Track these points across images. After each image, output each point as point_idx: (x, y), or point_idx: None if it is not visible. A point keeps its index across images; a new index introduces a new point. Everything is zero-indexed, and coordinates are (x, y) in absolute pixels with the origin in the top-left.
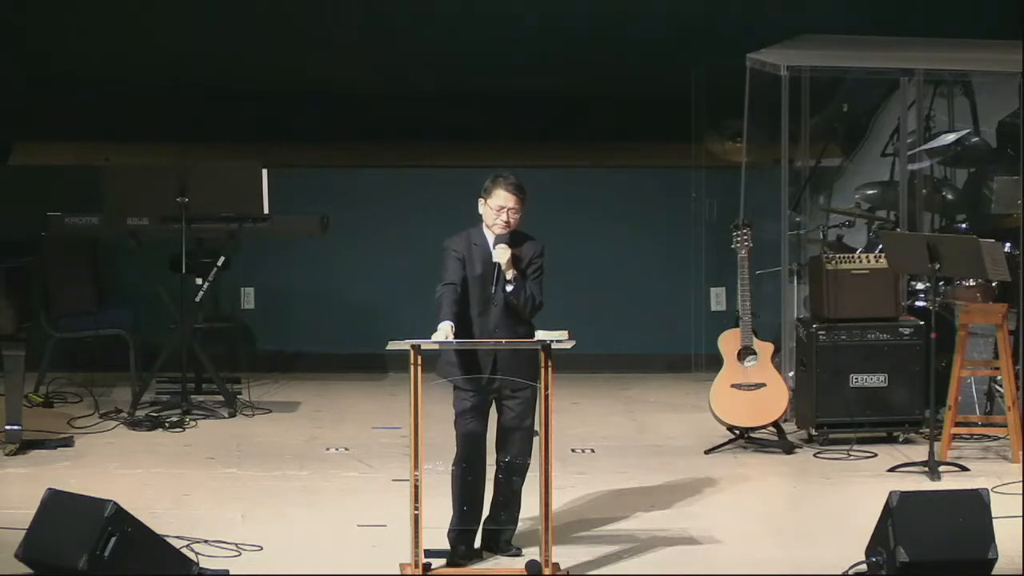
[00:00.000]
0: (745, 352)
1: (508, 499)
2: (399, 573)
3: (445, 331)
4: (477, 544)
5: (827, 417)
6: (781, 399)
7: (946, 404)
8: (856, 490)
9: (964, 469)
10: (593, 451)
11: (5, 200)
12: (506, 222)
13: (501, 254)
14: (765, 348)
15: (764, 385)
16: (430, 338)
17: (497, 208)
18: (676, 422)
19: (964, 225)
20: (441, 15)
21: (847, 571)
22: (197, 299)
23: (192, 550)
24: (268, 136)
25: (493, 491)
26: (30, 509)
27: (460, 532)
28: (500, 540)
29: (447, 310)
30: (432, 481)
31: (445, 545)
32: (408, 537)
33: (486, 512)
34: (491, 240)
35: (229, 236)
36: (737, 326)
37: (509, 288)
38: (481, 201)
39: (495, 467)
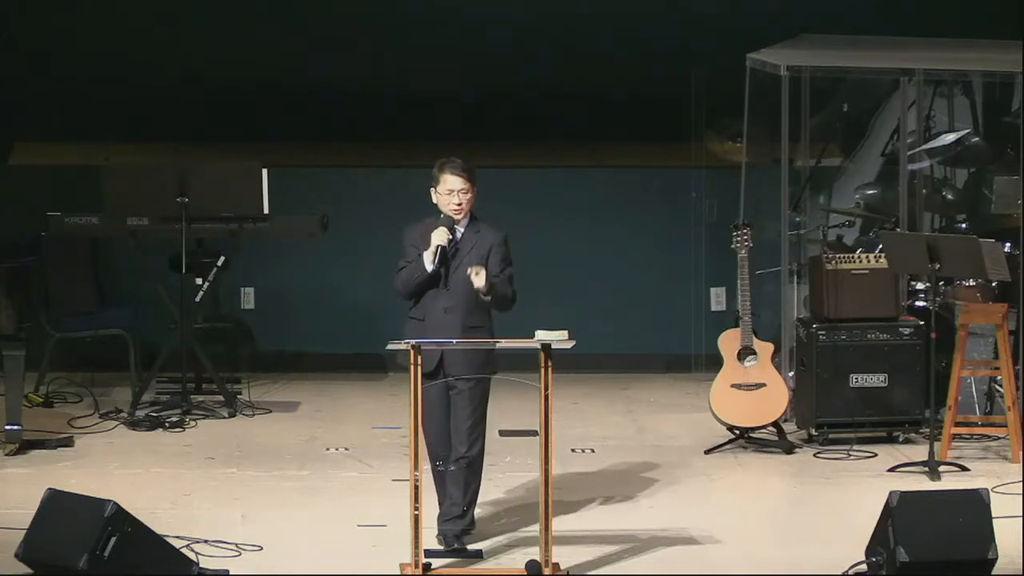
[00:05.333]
0: (745, 352)
1: (475, 495)
2: (399, 573)
3: (441, 233)
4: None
5: (827, 417)
6: (781, 399)
7: (946, 404)
8: (856, 490)
9: (964, 469)
10: (593, 451)
11: (5, 200)
12: (458, 204)
13: (476, 279)
14: (765, 348)
15: (764, 385)
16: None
17: (447, 192)
18: (676, 422)
19: (964, 225)
20: (441, 15)
21: (847, 571)
22: (197, 299)
23: (192, 550)
24: (268, 136)
25: (453, 488)
26: (30, 509)
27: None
28: (463, 536)
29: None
30: (432, 481)
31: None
32: (408, 537)
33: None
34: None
35: (229, 236)
36: (737, 326)
37: (486, 298)
38: (432, 191)
39: (455, 464)
